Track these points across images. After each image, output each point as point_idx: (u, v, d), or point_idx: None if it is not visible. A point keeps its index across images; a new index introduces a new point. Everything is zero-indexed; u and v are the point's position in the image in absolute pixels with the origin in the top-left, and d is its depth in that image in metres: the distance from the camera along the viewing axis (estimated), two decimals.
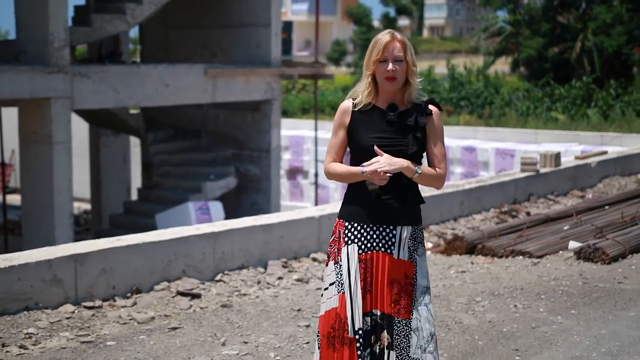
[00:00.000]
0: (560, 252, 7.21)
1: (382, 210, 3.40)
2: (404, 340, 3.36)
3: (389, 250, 3.40)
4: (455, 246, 7.44)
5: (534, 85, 27.66)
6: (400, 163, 3.32)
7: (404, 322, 3.36)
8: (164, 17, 14.65)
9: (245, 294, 6.07)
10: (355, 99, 3.47)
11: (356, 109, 3.45)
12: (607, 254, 6.80)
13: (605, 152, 12.14)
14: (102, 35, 12.45)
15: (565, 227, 7.97)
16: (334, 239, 3.50)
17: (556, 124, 21.46)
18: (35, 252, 5.61)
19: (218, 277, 6.35)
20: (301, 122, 22.33)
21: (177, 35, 15.02)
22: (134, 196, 16.05)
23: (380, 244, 3.41)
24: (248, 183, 14.07)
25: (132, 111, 15.61)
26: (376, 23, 50.58)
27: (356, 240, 3.42)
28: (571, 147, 15.26)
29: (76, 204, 18.63)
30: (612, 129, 18.85)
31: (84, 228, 17.23)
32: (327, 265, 3.51)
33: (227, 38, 14.07)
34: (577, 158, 11.49)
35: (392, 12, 53.26)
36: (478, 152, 16.29)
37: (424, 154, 3.48)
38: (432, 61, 43.02)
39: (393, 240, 3.40)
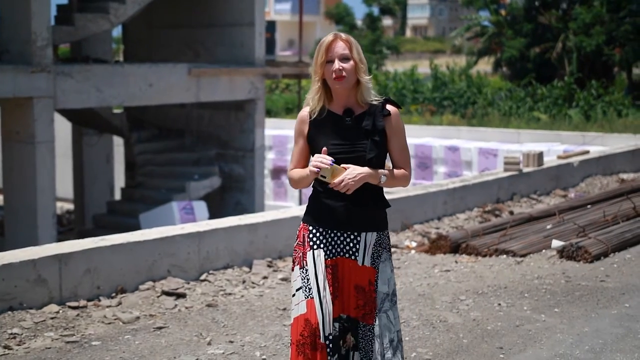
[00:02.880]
0: (544, 250, 7.27)
1: (346, 216, 3.36)
2: (368, 344, 3.36)
3: (353, 257, 3.37)
4: (439, 245, 7.47)
5: (516, 85, 27.79)
6: (363, 176, 3.27)
7: (367, 327, 3.36)
8: (148, 17, 14.61)
9: (230, 294, 6.07)
10: (310, 106, 3.42)
11: (312, 117, 3.40)
12: (589, 253, 6.86)
13: (587, 152, 12.23)
14: (85, 34, 12.41)
15: (548, 226, 8.03)
16: (298, 244, 3.45)
17: (538, 123, 21.58)
18: (19, 252, 5.60)
19: (203, 277, 6.35)
20: (285, 121, 22.32)
21: (161, 34, 14.98)
22: (118, 196, 15.99)
23: (345, 250, 3.38)
24: (232, 183, 14.06)
25: (116, 111, 15.55)
26: (359, 23, 50.60)
27: (322, 246, 3.38)
28: (553, 146, 15.36)
29: (59, 204, 18.52)
30: (593, 129, 18.99)
31: (67, 228, 17.14)
32: (292, 270, 3.47)
33: (211, 37, 14.05)
34: (559, 158, 11.57)
35: (375, 11, 53.34)
36: (461, 152, 16.35)
37: (387, 155, 3.44)
38: (415, 61, 43.15)
39: (357, 246, 3.37)
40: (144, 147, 14.55)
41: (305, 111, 3.44)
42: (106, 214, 14.25)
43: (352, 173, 3.26)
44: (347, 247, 3.38)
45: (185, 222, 11.91)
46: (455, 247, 7.45)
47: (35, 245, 10.07)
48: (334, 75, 3.31)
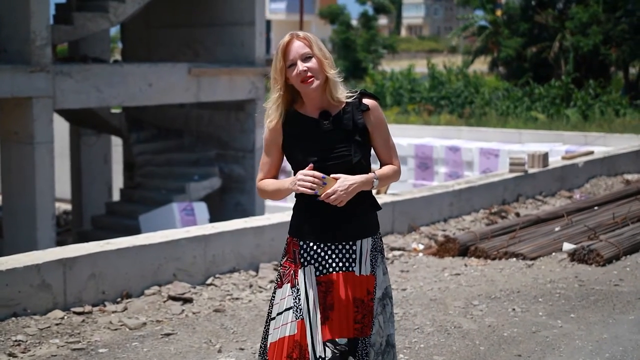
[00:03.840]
0: (554, 253, 7.16)
1: (339, 226, 3.11)
2: (365, 357, 3.13)
3: (350, 268, 3.12)
4: (447, 248, 7.36)
5: (513, 84, 27.72)
6: (355, 186, 3.01)
7: (366, 340, 3.13)
8: (147, 16, 14.47)
9: (237, 298, 5.96)
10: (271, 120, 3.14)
11: (285, 125, 3.12)
12: (601, 256, 6.76)
13: (591, 152, 12.14)
14: (84, 33, 12.27)
15: (557, 229, 7.93)
16: (287, 260, 3.18)
17: (536, 123, 21.50)
18: (22, 256, 5.47)
19: (209, 281, 6.23)
20: None
21: (160, 34, 14.84)
22: (116, 197, 15.84)
23: (340, 263, 3.12)
24: (232, 183, 13.93)
25: (114, 110, 15.40)
26: (355, 22, 50.50)
27: (313, 262, 3.12)
28: (555, 147, 15.26)
29: (57, 204, 18.37)
30: (592, 129, 18.90)
31: (64, 229, 16.99)
32: (279, 287, 3.18)
33: (211, 37, 13.91)
34: (564, 158, 11.47)
35: (370, 10, 53.20)
36: (462, 152, 16.24)
37: (372, 151, 3.20)
38: (411, 60, 43.07)
39: (354, 256, 3.13)
40: (143, 148, 14.41)
41: (272, 122, 3.14)
42: (105, 215, 14.10)
43: (344, 184, 3.00)
44: (343, 260, 3.12)
45: (185, 223, 11.79)
46: (464, 250, 7.34)
47: (34, 247, 10.02)
48: (300, 78, 3.05)
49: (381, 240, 3.25)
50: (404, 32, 77.41)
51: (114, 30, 17.86)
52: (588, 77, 26.78)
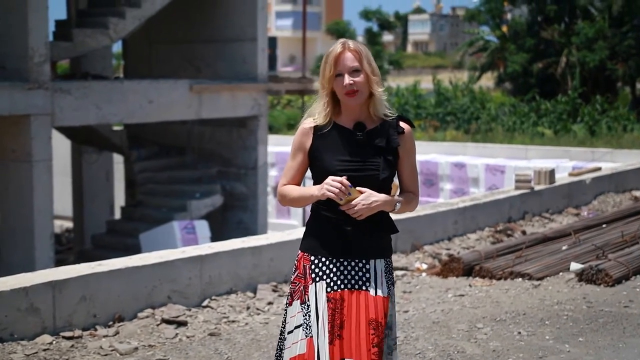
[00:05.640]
0: (561, 273, 6.95)
1: (353, 242, 3.03)
2: None
3: (364, 287, 3.02)
4: (451, 268, 7.16)
5: (519, 100, 27.57)
6: (378, 204, 2.96)
7: None
8: (148, 32, 14.37)
9: (234, 321, 5.76)
10: (315, 119, 3.10)
11: (318, 130, 3.08)
12: (610, 276, 6.54)
13: (599, 169, 11.92)
14: (84, 50, 12.15)
15: (564, 247, 7.72)
16: (297, 276, 3.09)
17: (543, 139, 21.33)
18: (10, 279, 5.29)
19: (205, 303, 6.04)
20: (287, 138, 22.04)
21: (162, 50, 14.74)
22: (118, 215, 15.69)
23: (353, 281, 3.03)
24: (234, 201, 13.75)
25: (116, 128, 15.28)
26: (360, 39, 50.51)
27: (324, 277, 3.03)
28: (562, 163, 15.07)
29: (59, 222, 18.24)
30: (600, 144, 18.71)
31: (65, 247, 16.84)
32: (290, 304, 3.10)
33: (213, 53, 13.79)
34: (571, 175, 11.26)
35: (374, 27, 53.25)
36: (468, 168, 16.06)
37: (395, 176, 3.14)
38: (417, 76, 42.96)
39: (368, 275, 3.04)
40: (145, 165, 14.26)
41: (308, 123, 3.11)
42: (105, 234, 13.94)
43: (368, 199, 2.96)
44: (357, 277, 3.03)
45: (186, 242, 11.62)
46: (468, 270, 7.13)
47: (32, 267, 9.85)
48: (345, 91, 3.02)
49: (392, 265, 3.15)
50: (410, 48, 77.43)
51: (119, 48, 17.69)
52: (595, 92, 26.63)
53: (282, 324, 3.13)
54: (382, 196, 2.99)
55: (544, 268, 7.01)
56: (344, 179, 2.95)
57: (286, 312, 3.12)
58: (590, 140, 19.99)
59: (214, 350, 5.13)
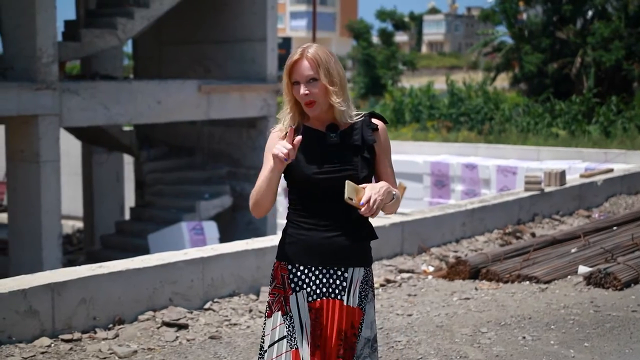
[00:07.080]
0: (569, 276, 6.85)
1: (334, 249, 2.91)
2: None
3: (339, 296, 2.92)
4: (458, 270, 7.06)
5: (534, 101, 27.37)
6: (385, 189, 2.82)
7: None
8: (157, 33, 14.35)
9: (235, 324, 5.70)
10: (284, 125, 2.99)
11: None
12: (618, 280, 6.43)
13: (611, 170, 11.78)
14: (92, 51, 12.14)
15: (573, 250, 7.61)
16: (275, 286, 2.96)
17: (557, 140, 21.13)
18: (8, 281, 5.25)
19: (207, 305, 5.98)
20: None
21: (171, 50, 14.71)
22: (128, 215, 15.67)
23: (330, 289, 2.92)
24: (244, 202, 13.69)
25: (126, 128, 15.27)
26: (375, 39, 50.31)
27: (304, 286, 2.93)
28: (574, 164, 14.90)
29: (70, 223, 18.26)
30: (614, 145, 18.51)
31: (76, 247, 16.85)
32: (269, 316, 2.98)
33: (222, 53, 13.75)
34: (582, 176, 11.13)
35: (389, 27, 53.04)
36: (479, 170, 15.93)
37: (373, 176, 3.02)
38: (432, 77, 42.78)
39: (344, 284, 2.93)
40: (154, 166, 14.24)
41: (278, 130, 2.98)
42: (114, 234, 13.92)
43: (376, 188, 2.81)
44: (333, 286, 2.92)
45: (195, 243, 11.57)
46: (475, 273, 7.04)
47: (40, 267, 9.82)
48: (302, 101, 2.90)
49: (372, 275, 3.04)
50: (424, 49, 77.19)
51: (131, 48, 17.69)
52: (610, 92, 26.37)
53: (262, 338, 3.02)
54: (382, 183, 2.88)
55: (552, 271, 6.91)
56: (298, 138, 2.83)
57: (265, 325, 3.01)
58: (605, 141, 19.79)
59: (213, 353, 5.07)
